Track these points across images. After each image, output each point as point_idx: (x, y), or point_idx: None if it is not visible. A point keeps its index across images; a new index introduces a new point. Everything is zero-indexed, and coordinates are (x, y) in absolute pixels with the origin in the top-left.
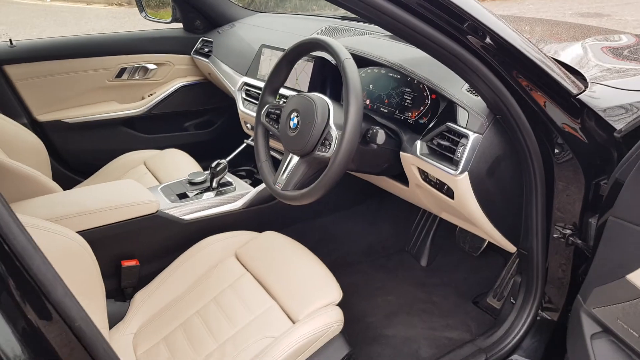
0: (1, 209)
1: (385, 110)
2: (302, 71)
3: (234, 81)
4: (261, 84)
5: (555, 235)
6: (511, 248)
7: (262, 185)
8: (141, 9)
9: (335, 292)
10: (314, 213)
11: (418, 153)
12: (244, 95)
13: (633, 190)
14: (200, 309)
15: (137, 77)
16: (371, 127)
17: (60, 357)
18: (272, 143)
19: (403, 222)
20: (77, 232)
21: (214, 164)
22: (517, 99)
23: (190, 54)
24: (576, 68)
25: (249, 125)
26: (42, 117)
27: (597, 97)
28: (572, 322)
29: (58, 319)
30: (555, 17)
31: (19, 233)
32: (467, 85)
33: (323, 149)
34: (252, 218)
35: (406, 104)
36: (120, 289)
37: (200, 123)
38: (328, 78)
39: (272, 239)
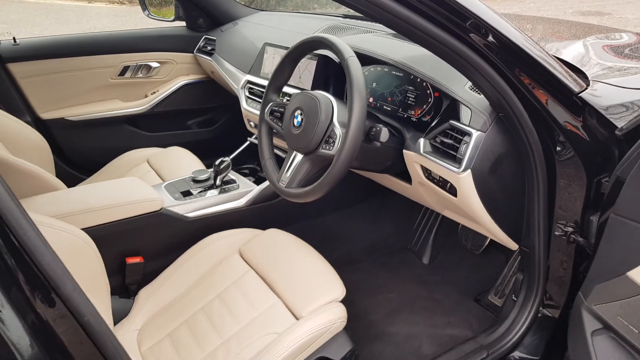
0: (12, 205)
1: (388, 108)
2: (306, 69)
3: (237, 79)
4: (264, 82)
5: (557, 233)
6: (513, 246)
7: (266, 183)
8: (144, 7)
9: (338, 289)
10: (316, 211)
11: (421, 151)
12: (247, 94)
13: (634, 188)
14: (205, 305)
15: (140, 75)
16: (374, 125)
17: (69, 351)
18: (276, 141)
19: (405, 220)
20: (82, 229)
21: (217, 162)
22: (520, 97)
23: (193, 52)
24: (578, 66)
25: (252, 123)
26: (46, 114)
27: (599, 95)
28: (573, 319)
29: (67, 314)
30: (556, 16)
31: (29, 229)
32: (470, 84)
33: (327, 147)
34: (256, 216)
35: (409, 102)
36: (125, 286)
37: (204, 121)
38: (331, 76)
39: (276, 236)
